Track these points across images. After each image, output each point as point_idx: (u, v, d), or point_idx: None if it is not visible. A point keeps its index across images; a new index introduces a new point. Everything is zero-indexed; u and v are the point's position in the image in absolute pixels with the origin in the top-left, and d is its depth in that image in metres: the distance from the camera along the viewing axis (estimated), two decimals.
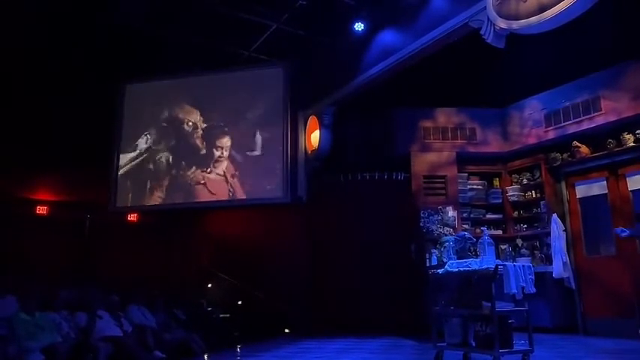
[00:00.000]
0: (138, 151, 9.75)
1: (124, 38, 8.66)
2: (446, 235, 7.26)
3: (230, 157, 9.34)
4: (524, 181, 8.51)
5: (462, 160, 8.62)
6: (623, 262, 7.02)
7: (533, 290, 4.59)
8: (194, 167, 9.46)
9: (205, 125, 9.58)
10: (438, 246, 5.67)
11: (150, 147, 9.74)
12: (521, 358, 4.48)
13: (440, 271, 4.96)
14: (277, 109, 9.21)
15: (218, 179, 9.28)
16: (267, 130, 9.20)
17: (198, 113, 9.67)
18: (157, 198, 9.58)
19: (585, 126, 7.42)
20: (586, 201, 7.82)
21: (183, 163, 9.52)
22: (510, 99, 8.56)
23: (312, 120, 8.98)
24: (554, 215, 7.73)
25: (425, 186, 8.46)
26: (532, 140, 8.20)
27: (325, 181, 9.06)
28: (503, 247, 8.25)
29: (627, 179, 7.22)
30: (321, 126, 8.70)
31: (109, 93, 9.78)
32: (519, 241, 8.22)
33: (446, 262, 5.00)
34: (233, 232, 10.42)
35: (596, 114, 7.26)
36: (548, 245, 7.71)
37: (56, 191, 9.53)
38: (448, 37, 6.50)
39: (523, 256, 7.84)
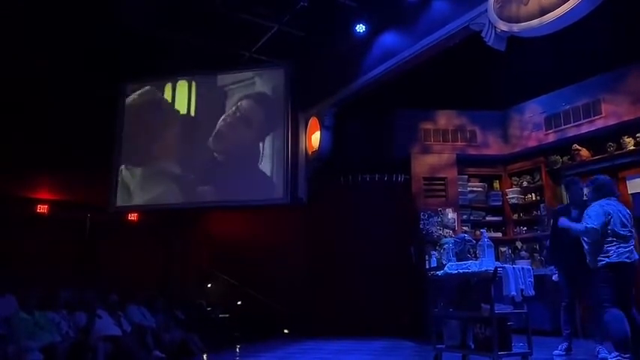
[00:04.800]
0: (138, 151, 9.75)
1: (126, 38, 8.67)
2: (445, 237, 7.26)
3: (231, 158, 9.34)
4: (525, 184, 8.52)
5: (462, 162, 8.62)
6: None
7: (532, 293, 4.58)
8: (194, 167, 9.46)
9: (206, 126, 9.58)
10: (437, 248, 5.66)
11: (149, 147, 9.74)
12: None
13: (439, 273, 4.95)
14: (278, 110, 9.22)
15: (218, 179, 9.29)
16: (267, 131, 9.20)
17: (199, 113, 9.67)
18: (157, 198, 9.57)
19: (585, 129, 7.43)
20: None
21: (183, 162, 9.53)
22: (511, 102, 8.57)
23: (313, 121, 8.99)
24: None
25: (425, 188, 8.46)
26: (532, 143, 8.21)
27: (325, 182, 9.06)
28: (502, 249, 8.26)
29: (627, 182, 7.21)
30: (322, 127, 8.71)
31: (110, 92, 9.79)
32: (519, 244, 8.22)
33: (445, 264, 4.99)
34: (233, 232, 10.44)
35: (596, 117, 7.27)
36: (548, 248, 7.70)
37: (56, 190, 9.53)
38: (449, 39, 6.51)
39: (523, 258, 7.84)
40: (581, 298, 5.56)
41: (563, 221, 4.97)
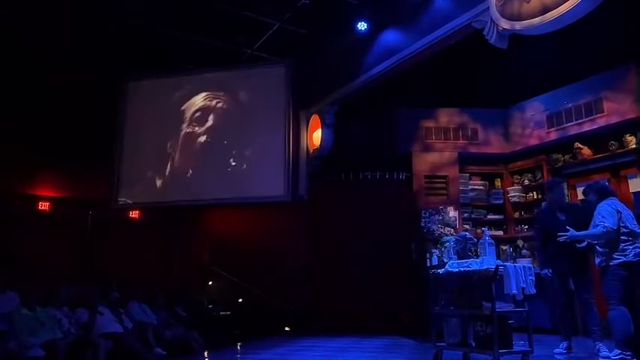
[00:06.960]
0: (140, 148, 9.76)
1: (127, 36, 8.68)
2: (447, 235, 7.27)
3: (232, 155, 9.34)
4: (526, 182, 8.51)
5: (464, 160, 8.62)
6: None
7: (533, 291, 4.59)
8: (195, 165, 9.47)
9: (207, 123, 9.59)
10: (438, 246, 5.67)
11: (151, 144, 9.75)
12: (521, 358, 4.49)
13: (440, 271, 4.96)
14: (279, 108, 9.22)
15: (220, 177, 9.29)
16: (269, 129, 9.20)
17: (200, 111, 9.68)
18: (158, 195, 9.59)
19: (587, 127, 7.41)
20: None
21: (184, 160, 9.54)
22: (512, 100, 8.55)
23: (315, 119, 9.00)
24: None
25: (426, 186, 8.46)
26: (534, 141, 8.19)
27: (326, 180, 9.06)
28: (504, 247, 8.25)
29: (629, 181, 7.19)
30: (323, 125, 8.72)
31: (112, 89, 9.80)
32: (520, 242, 8.21)
33: (446, 262, 5.00)
34: (234, 229, 10.43)
35: (598, 115, 7.24)
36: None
37: (58, 187, 9.55)
38: (451, 37, 6.50)
39: (524, 256, 7.84)
40: (577, 297, 5.55)
41: (575, 233, 4.84)
